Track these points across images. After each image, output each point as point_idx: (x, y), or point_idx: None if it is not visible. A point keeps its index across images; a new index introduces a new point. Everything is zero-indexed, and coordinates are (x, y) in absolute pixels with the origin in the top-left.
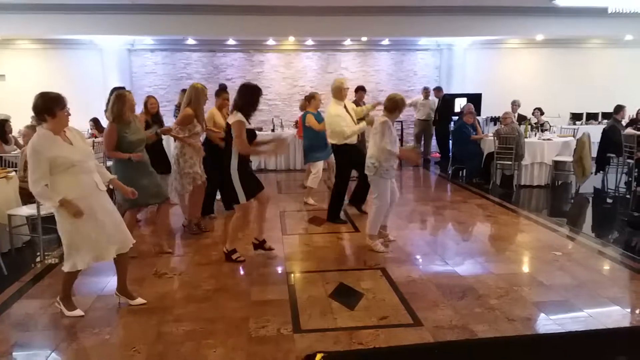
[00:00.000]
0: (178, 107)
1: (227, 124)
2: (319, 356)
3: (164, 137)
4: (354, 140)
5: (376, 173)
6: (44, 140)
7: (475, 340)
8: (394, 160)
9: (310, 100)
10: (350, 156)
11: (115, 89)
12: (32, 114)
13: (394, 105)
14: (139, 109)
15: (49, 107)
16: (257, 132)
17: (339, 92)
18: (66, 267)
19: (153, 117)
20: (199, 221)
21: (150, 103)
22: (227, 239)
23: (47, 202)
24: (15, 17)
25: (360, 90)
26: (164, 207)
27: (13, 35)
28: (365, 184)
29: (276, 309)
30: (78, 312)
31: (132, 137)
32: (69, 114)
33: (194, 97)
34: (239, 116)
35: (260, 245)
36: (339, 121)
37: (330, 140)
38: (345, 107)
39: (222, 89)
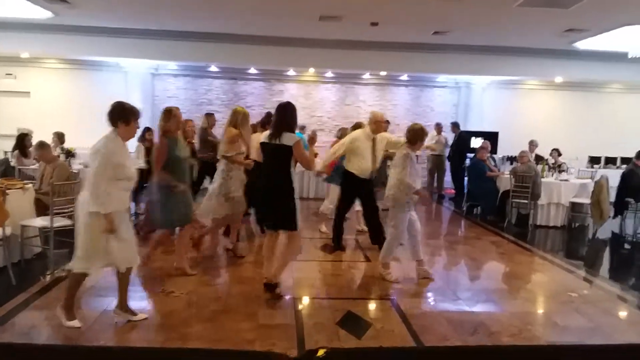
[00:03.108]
0: (203, 130)
1: (274, 146)
2: (321, 351)
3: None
4: (364, 174)
5: (395, 205)
6: (114, 145)
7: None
8: (413, 193)
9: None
10: (353, 183)
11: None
12: (57, 130)
13: (414, 136)
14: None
15: (126, 115)
16: None
17: (370, 123)
18: (76, 267)
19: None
20: (235, 246)
21: (189, 126)
22: (268, 267)
23: (96, 205)
24: (43, 36)
25: (384, 122)
26: (187, 228)
27: (40, 54)
28: (370, 215)
29: (282, 334)
30: (76, 322)
31: (180, 153)
32: (138, 127)
33: (240, 120)
34: (293, 136)
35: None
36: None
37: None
38: (374, 139)
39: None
